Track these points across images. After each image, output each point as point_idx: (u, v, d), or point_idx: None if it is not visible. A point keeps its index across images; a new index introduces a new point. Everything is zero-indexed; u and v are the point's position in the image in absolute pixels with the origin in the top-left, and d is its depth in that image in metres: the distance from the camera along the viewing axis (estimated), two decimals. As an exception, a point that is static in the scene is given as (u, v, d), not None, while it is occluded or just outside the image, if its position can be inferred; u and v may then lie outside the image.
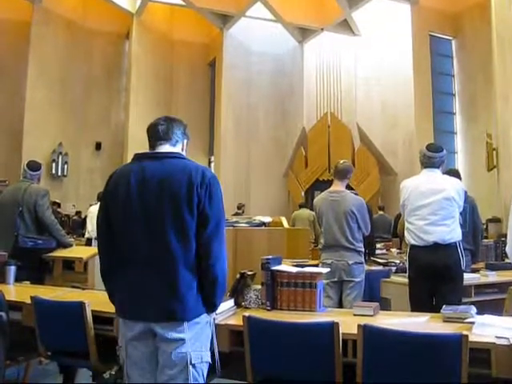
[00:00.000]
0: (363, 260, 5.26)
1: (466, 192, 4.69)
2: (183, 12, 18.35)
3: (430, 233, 4.24)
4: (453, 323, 2.92)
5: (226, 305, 3.16)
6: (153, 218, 2.42)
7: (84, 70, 17.84)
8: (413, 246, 4.36)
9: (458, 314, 2.98)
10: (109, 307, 2.70)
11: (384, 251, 8.07)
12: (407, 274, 4.49)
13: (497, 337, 2.56)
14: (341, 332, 2.65)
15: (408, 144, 14.78)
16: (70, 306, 3.30)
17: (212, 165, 18.75)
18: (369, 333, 2.59)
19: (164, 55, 18.93)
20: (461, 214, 4.48)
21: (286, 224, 7.53)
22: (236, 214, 11.80)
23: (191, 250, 2.41)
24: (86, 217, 11.32)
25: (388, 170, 15.92)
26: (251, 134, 18.57)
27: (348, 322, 2.85)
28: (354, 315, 3.19)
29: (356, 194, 5.66)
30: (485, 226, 9.69)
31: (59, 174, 16.69)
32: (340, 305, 5.04)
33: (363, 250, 5.21)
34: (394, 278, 5.25)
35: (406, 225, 4.47)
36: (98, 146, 18.11)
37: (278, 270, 3.37)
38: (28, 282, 4.61)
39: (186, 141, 2.73)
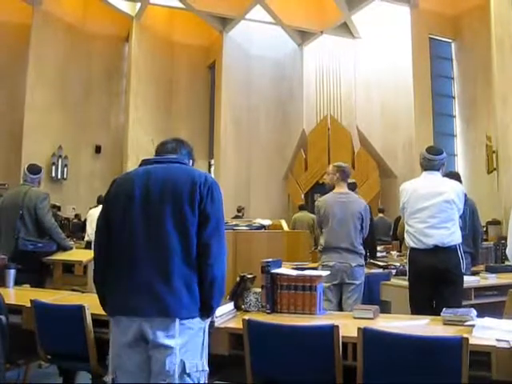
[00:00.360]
0: (364, 263, 5.28)
1: (465, 195, 4.69)
2: (183, 15, 18.36)
3: (430, 236, 4.24)
4: (453, 326, 2.92)
5: (226, 308, 3.17)
6: (153, 217, 2.44)
7: (84, 73, 17.85)
8: (413, 249, 4.36)
9: (458, 316, 2.98)
10: (107, 311, 2.70)
11: (384, 254, 8.07)
12: (407, 277, 4.49)
13: (497, 339, 2.56)
14: (341, 335, 2.65)
15: (408, 147, 14.78)
16: (69, 310, 3.31)
17: (212, 168, 18.76)
18: (369, 336, 2.59)
19: (164, 58, 18.94)
20: (461, 216, 4.48)
21: (285, 227, 7.53)
22: (236, 217, 11.79)
23: (192, 248, 2.42)
24: (85, 220, 11.32)
25: (388, 172, 15.92)
26: (251, 136, 18.57)
27: (348, 325, 2.85)
28: (354, 318, 3.19)
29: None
30: (485, 229, 9.69)
31: (59, 177, 16.69)
32: (339, 308, 5.03)
33: (364, 252, 5.22)
34: (394, 280, 5.25)
35: (406, 227, 4.47)
36: (98, 149, 18.10)
37: (277, 273, 3.37)
38: (28, 286, 4.62)
39: (191, 162, 2.81)
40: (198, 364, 2.42)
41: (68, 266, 5.68)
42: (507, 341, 2.52)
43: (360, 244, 5.15)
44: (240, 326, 2.87)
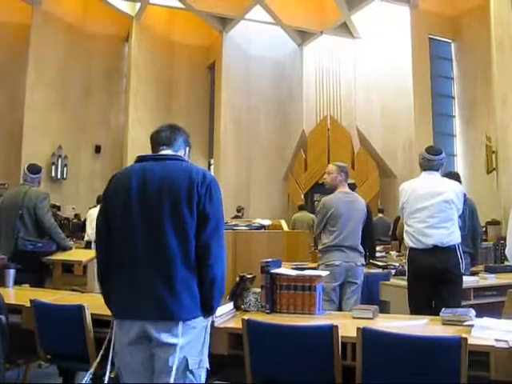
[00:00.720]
0: (364, 262, 5.30)
1: (465, 195, 4.70)
2: (182, 15, 18.36)
3: (429, 235, 4.24)
4: (452, 326, 2.92)
5: (226, 308, 3.17)
6: (152, 217, 2.43)
7: (84, 73, 17.85)
8: (412, 249, 4.37)
9: (457, 316, 2.98)
10: (108, 310, 2.70)
11: (383, 254, 8.07)
12: (406, 277, 4.49)
13: (496, 339, 2.56)
14: (340, 335, 2.66)
15: (407, 147, 14.78)
16: (69, 309, 3.31)
17: (212, 168, 18.74)
18: (368, 336, 2.59)
19: (163, 58, 18.93)
20: (460, 216, 4.49)
21: (285, 227, 7.53)
22: (236, 217, 11.80)
23: (191, 250, 2.41)
24: (85, 220, 11.32)
25: (387, 172, 15.92)
26: (251, 136, 18.56)
27: (347, 325, 2.85)
28: (353, 318, 3.19)
29: None
30: (484, 229, 9.70)
31: (59, 176, 16.69)
32: (340, 308, 5.04)
33: (364, 252, 5.24)
34: (393, 280, 5.26)
35: (405, 227, 4.47)
36: (98, 149, 18.10)
37: (277, 273, 3.37)
38: (28, 285, 4.62)
39: (188, 148, 2.76)
40: (201, 361, 2.44)
41: (68, 266, 5.69)
42: (506, 341, 2.53)
43: (361, 243, 5.18)
44: (239, 325, 2.87)
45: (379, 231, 10.56)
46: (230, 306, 3.27)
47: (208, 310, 2.48)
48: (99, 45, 18.24)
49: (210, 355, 2.55)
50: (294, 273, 3.41)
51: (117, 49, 18.92)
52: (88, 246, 9.33)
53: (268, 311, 3.32)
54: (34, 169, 5.71)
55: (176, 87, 19.28)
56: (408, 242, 4.40)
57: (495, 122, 10.86)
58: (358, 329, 2.60)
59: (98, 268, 2.63)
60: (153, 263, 2.40)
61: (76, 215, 15.11)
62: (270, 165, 18.50)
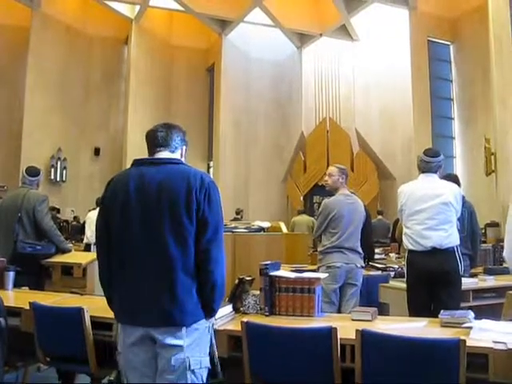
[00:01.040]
0: (364, 264, 5.32)
1: (463, 197, 4.70)
2: (182, 17, 18.38)
3: (427, 237, 4.25)
4: (450, 328, 2.93)
5: (225, 310, 3.17)
6: (151, 224, 2.42)
7: (83, 75, 17.86)
8: (411, 251, 4.37)
9: (456, 318, 2.99)
10: (107, 313, 2.70)
11: (383, 256, 8.07)
12: (405, 279, 4.49)
13: (494, 341, 2.56)
14: (339, 337, 2.66)
15: (407, 149, 14.78)
16: (68, 312, 3.31)
17: (211, 170, 18.75)
18: (367, 338, 2.60)
19: (163, 60, 18.95)
20: (458, 219, 4.49)
21: (284, 229, 7.54)
22: (235, 220, 11.81)
23: (190, 255, 2.41)
24: (84, 222, 11.32)
25: (387, 174, 15.92)
26: (250, 138, 18.57)
27: (346, 327, 2.85)
28: (352, 320, 3.20)
29: None
30: (483, 231, 9.70)
31: (58, 179, 16.68)
32: (339, 310, 5.04)
33: (362, 253, 5.25)
34: (392, 282, 5.25)
35: (404, 230, 4.47)
36: (97, 152, 18.10)
37: (276, 276, 3.37)
38: (27, 288, 4.62)
39: (184, 147, 2.74)
40: (202, 361, 2.46)
41: (67, 269, 5.67)
42: (504, 343, 2.53)
43: (360, 245, 5.20)
44: (239, 328, 2.87)
45: (378, 233, 10.57)
46: (229, 308, 3.27)
47: (209, 312, 2.50)
48: (98, 47, 18.27)
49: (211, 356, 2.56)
50: (293, 275, 3.41)
51: (116, 51, 18.93)
52: (87, 248, 9.34)
53: (267, 313, 3.32)
54: (32, 171, 5.71)
55: (175, 89, 19.30)
56: (407, 244, 4.41)
57: (494, 124, 10.87)
58: (357, 331, 2.61)
59: (99, 270, 2.64)
60: (153, 270, 2.41)
61: (75, 218, 15.12)
62: (269, 167, 18.51)
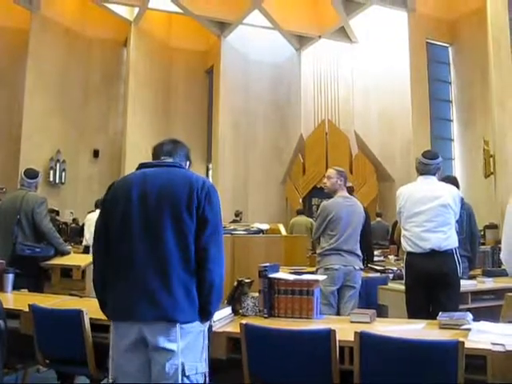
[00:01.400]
0: (362, 266, 5.32)
1: (462, 199, 4.71)
2: (181, 19, 18.39)
3: (426, 240, 4.26)
4: (449, 330, 2.93)
5: (224, 312, 3.18)
6: (152, 222, 2.44)
7: (82, 78, 17.88)
8: (409, 253, 4.38)
9: (454, 320, 2.99)
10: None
11: (382, 258, 8.08)
12: (404, 281, 4.50)
13: (492, 343, 2.57)
14: (338, 339, 2.66)
15: (405, 151, 14.80)
16: (68, 314, 3.31)
17: (210, 172, 18.76)
18: (365, 340, 2.60)
19: (162, 62, 18.96)
20: (457, 221, 4.50)
21: (283, 231, 7.56)
22: (234, 222, 11.81)
23: (190, 254, 2.42)
24: (83, 224, 11.31)
25: (386, 176, 15.94)
26: (249, 141, 18.59)
27: (345, 329, 2.85)
28: (351, 322, 3.20)
29: None
30: (482, 233, 9.72)
31: (57, 181, 16.68)
32: (338, 312, 5.04)
33: (361, 255, 5.25)
34: (391, 285, 5.25)
35: (403, 232, 4.48)
36: (96, 154, 18.10)
37: (275, 278, 3.38)
38: (26, 290, 4.62)
39: (188, 163, 2.80)
40: (198, 366, 2.44)
41: (66, 271, 5.68)
42: (502, 344, 2.54)
43: (359, 247, 5.21)
44: (237, 330, 2.88)
45: (377, 235, 10.58)
46: (228, 310, 3.27)
47: (205, 315, 2.48)
48: (98, 49, 18.30)
49: (209, 360, 2.56)
50: (292, 277, 3.42)
51: (115, 53, 18.96)
52: (86, 250, 9.33)
53: (266, 315, 3.32)
54: (30, 173, 5.70)
55: (174, 92, 19.32)
56: (405, 246, 4.41)
57: (493, 126, 10.90)
58: (356, 333, 2.61)
59: (94, 272, 2.64)
60: (151, 265, 2.41)
61: (74, 220, 15.11)
62: (268, 169, 18.53)
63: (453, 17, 15.00)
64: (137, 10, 17.44)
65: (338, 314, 4.96)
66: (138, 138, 16.64)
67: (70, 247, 7.15)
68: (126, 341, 2.41)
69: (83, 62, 17.91)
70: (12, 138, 15.93)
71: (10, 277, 4.45)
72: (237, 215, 13.61)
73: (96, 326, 3.23)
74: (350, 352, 2.69)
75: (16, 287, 4.50)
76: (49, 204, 6.00)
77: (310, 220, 11.25)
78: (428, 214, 4.29)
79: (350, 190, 6.04)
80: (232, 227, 7.28)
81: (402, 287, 4.54)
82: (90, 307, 3.30)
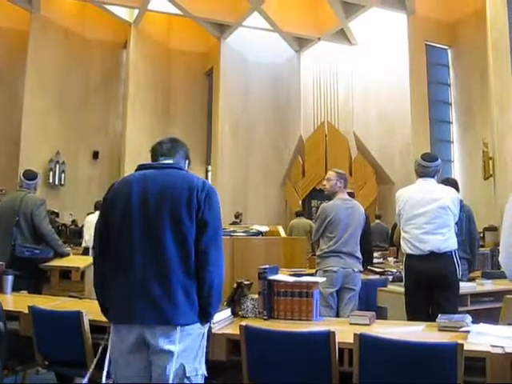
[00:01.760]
0: (362, 269, 5.31)
1: (461, 201, 4.72)
2: (180, 21, 18.41)
3: (425, 242, 4.26)
4: (448, 332, 2.94)
5: (223, 314, 3.18)
6: (152, 223, 2.45)
7: (82, 79, 17.89)
8: (409, 255, 4.38)
9: (454, 322, 2.99)
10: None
11: (381, 260, 8.08)
12: (403, 283, 4.50)
13: (492, 345, 2.57)
14: (337, 341, 2.67)
15: (405, 153, 14.81)
16: (67, 316, 3.31)
17: (209, 174, 18.75)
18: (365, 342, 2.60)
19: (161, 64, 18.97)
20: (456, 223, 4.51)
21: (283, 233, 7.56)
22: (233, 223, 11.81)
23: (190, 257, 2.43)
24: (82, 226, 11.30)
25: (385, 178, 15.94)
26: (249, 142, 18.61)
27: (344, 331, 2.86)
28: (351, 324, 3.20)
29: None
30: (481, 235, 9.72)
31: (56, 183, 16.66)
32: (337, 314, 5.05)
33: (361, 258, 5.25)
34: (390, 286, 5.26)
35: (402, 234, 4.48)
36: (96, 155, 18.09)
37: (274, 280, 3.38)
38: (25, 292, 4.62)
39: (187, 162, 2.81)
40: (198, 367, 2.45)
41: (65, 272, 5.68)
42: (502, 347, 2.54)
43: (359, 250, 5.20)
44: (237, 332, 2.88)
45: (377, 237, 10.57)
46: (227, 312, 3.28)
47: (205, 316, 2.49)
48: (97, 51, 18.30)
49: (207, 361, 2.56)
50: (292, 279, 3.42)
51: (115, 55, 18.97)
52: (86, 252, 9.32)
53: (265, 317, 3.33)
54: (29, 175, 5.70)
55: (174, 93, 19.33)
56: (405, 248, 4.42)
57: (492, 128, 10.90)
58: (355, 335, 2.61)
59: (94, 274, 2.64)
60: (151, 268, 2.41)
61: (73, 221, 15.10)
62: (268, 170, 18.54)
63: (452, 19, 15.01)
64: (136, 11, 17.44)
65: (337, 315, 4.96)
66: (138, 140, 16.64)
67: (69, 249, 7.15)
68: (127, 343, 2.41)
69: (83, 63, 17.91)
70: (11, 140, 15.91)
71: (10, 278, 4.45)
72: (236, 217, 13.61)
73: (95, 327, 3.23)
74: (349, 354, 2.69)
75: (15, 289, 4.50)
76: (48, 205, 6.00)
77: (310, 222, 11.24)
78: (427, 216, 4.30)
79: (351, 197, 6.05)
80: (231, 229, 7.28)
81: (402, 289, 4.55)
82: (89, 309, 3.30)
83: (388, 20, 15.91)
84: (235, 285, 3.43)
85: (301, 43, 18.96)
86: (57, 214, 13.48)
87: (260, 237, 7.05)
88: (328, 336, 2.67)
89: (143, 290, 2.40)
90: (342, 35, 17.63)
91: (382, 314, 4.77)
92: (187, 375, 2.38)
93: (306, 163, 17.78)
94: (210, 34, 18.54)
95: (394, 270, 6.37)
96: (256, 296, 3.40)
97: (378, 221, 11.87)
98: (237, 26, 17.87)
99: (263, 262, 3.70)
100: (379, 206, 15.50)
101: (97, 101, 18.24)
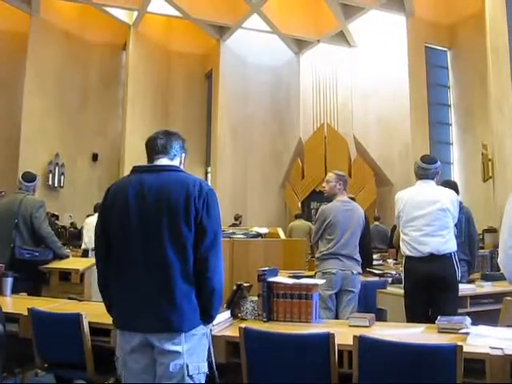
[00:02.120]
0: (361, 271, 5.31)
1: (460, 203, 4.72)
2: (180, 23, 18.40)
3: (425, 244, 4.26)
4: (448, 334, 2.94)
5: (223, 316, 3.18)
6: (150, 231, 2.44)
7: (81, 81, 17.87)
8: (408, 257, 4.38)
9: (453, 324, 3.00)
10: (105, 319, 2.71)
11: (380, 262, 8.08)
12: (403, 285, 4.50)
13: (491, 347, 2.57)
14: (337, 343, 2.67)
15: (404, 155, 14.80)
16: (66, 318, 3.31)
17: (209, 176, 18.73)
18: (364, 344, 2.61)
19: (161, 66, 18.97)
20: (456, 225, 4.51)
21: (282, 235, 7.56)
22: (233, 225, 11.80)
23: (189, 262, 2.43)
24: (81, 228, 11.30)
25: (384, 180, 15.93)
26: (248, 144, 18.60)
27: (344, 333, 2.86)
28: (350, 326, 3.20)
29: None
30: (481, 237, 9.73)
31: (56, 185, 16.63)
32: (337, 316, 5.05)
33: (361, 260, 5.25)
34: (390, 288, 5.26)
35: (402, 236, 4.49)
36: (95, 157, 18.06)
37: (274, 282, 3.38)
38: (25, 294, 4.62)
39: (184, 155, 2.78)
40: (200, 366, 2.48)
41: (65, 274, 5.68)
42: (501, 348, 2.54)
43: (358, 252, 5.20)
44: (237, 334, 2.88)
45: (376, 239, 10.57)
46: (227, 314, 3.28)
47: (207, 318, 2.52)
48: (97, 53, 18.28)
49: (208, 362, 2.57)
50: (291, 281, 3.42)
51: (114, 57, 18.96)
52: (85, 254, 9.33)
53: (265, 319, 3.33)
54: (28, 177, 5.70)
55: (173, 95, 19.31)
56: (404, 250, 4.42)
57: (491, 130, 10.89)
58: (355, 337, 2.62)
59: (98, 276, 2.65)
60: (152, 277, 2.42)
61: (72, 223, 15.09)
62: (267, 173, 18.53)
63: (451, 21, 15.02)
64: (136, 13, 17.43)
65: (336, 318, 4.96)
66: (137, 142, 16.58)
67: (68, 251, 7.15)
68: (132, 344, 2.45)
69: (82, 65, 17.89)
70: (11, 142, 15.89)
71: (9, 280, 4.45)
72: (236, 219, 13.60)
73: (95, 329, 3.23)
74: (348, 356, 2.70)
75: (15, 291, 4.50)
76: (47, 207, 6.00)
77: (309, 224, 11.24)
78: (427, 218, 4.30)
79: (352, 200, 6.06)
80: (231, 231, 7.28)
81: (401, 291, 4.55)
82: (88, 311, 3.30)
83: (387, 22, 15.91)
84: (235, 287, 3.43)
85: (300, 45, 18.96)
86: (57, 217, 13.47)
87: (259, 239, 7.05)
88: (327, 338, 2.67)
89: (146, 300, 2.41)
90: (342, 37, 17.64)
91: (381, 316, 4.77)
92: (190, 374, 2.41)
93: (306, 165, 17.77)
94: (210, 36, 18.54)
95: (394, 272, 6.36)
96: (255, 298, 3.40)
97: (377, 223, 11.87)
98: (236, 28, 17.87)
99: (263, 264, 3.71)
100: (378, 207, 15.49)
101: (96, 103, 18.22)
